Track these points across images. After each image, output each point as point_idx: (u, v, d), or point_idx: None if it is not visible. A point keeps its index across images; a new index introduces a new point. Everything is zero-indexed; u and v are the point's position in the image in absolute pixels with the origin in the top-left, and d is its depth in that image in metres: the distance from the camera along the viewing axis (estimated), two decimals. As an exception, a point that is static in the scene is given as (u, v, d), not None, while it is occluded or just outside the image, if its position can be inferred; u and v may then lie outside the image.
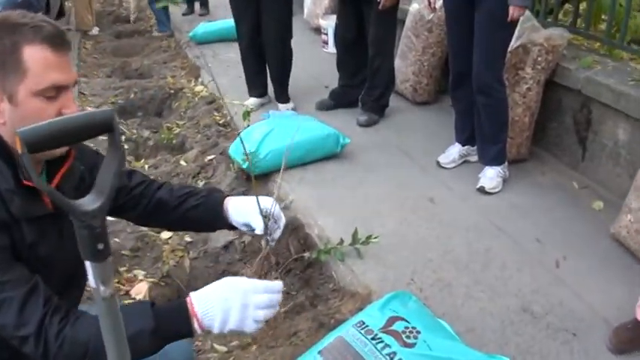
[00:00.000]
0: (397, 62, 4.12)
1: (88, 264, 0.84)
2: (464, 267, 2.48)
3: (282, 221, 1.53)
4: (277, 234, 1.51)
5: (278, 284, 1.27)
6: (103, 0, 8.86)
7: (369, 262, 2.53)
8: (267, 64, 4.22)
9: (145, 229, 3.05)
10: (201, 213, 1.52)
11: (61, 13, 7.74)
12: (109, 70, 5.81)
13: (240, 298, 1.19)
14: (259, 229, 1.45)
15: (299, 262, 2.68)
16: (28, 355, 1.18)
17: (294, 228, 2.94)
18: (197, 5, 7.36)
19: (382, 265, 2.50)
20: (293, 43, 4.23)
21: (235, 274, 2.84)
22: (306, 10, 6.33)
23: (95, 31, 7.05)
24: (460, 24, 2.99)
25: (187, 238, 3.03)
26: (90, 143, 1.45)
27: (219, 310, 1.18)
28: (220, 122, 4.38)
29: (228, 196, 1.56)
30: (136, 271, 2.77)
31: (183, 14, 7.26)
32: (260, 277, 1.47)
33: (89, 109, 4.76)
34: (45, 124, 0.79)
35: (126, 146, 4.21)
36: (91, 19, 6.98)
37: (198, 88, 5.15)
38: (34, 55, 1.13)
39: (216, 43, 5.96)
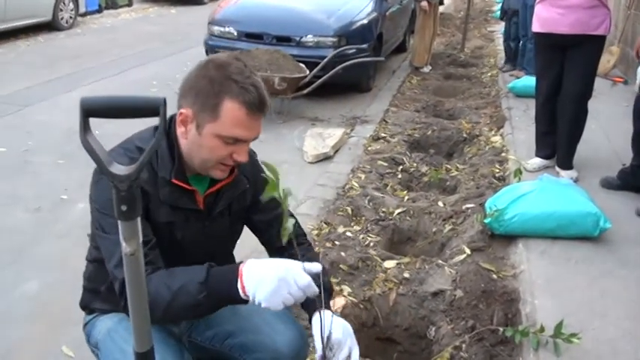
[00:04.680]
0: None
1: (118, 222, 0.98)
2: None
3: (344, 352, 1.36)
4: None
5: (317, 265, 1.28)
6: (447, 43, 9.33)
7: (563, 361, 2.17)
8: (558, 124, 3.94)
9: (373, 252, 3.19)
10: None
11: (402, 49, 8.50)
12: (420, 105, 6.10)
13: (280, 272, 1.23)
14: (317, 357, 1.36)
15: (493, 335, 2.46)
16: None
17: (509, 299, 2.70)
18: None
19: (575, 371, 2.12)
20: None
21: (434, 324, 2.74)
22: (638, 80, 5.58)
23: (427, 69, 7.49)
24: None
25: (406, 274, 3.03)
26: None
27: (259, 276, 1.23)
28: (497, 175, 4.24)
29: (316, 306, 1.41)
30: (344, 286, 2.90)
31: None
32: None
33: (392, 140, 5.11)
34: (104, 97, 0.95)
35: (399, 175, 4.39)
36: (426, 58, 7.45)
37: (495, 138, 5.06)
38: (231, 109, 1.33)
39: (534, 98, 5.76)
